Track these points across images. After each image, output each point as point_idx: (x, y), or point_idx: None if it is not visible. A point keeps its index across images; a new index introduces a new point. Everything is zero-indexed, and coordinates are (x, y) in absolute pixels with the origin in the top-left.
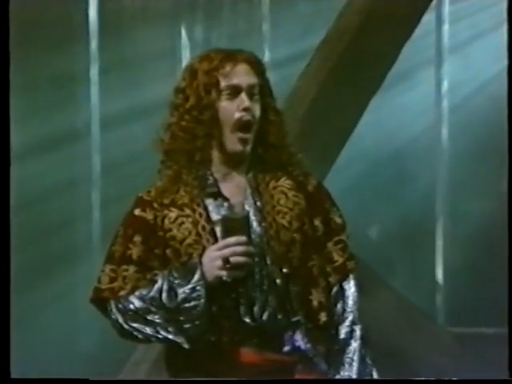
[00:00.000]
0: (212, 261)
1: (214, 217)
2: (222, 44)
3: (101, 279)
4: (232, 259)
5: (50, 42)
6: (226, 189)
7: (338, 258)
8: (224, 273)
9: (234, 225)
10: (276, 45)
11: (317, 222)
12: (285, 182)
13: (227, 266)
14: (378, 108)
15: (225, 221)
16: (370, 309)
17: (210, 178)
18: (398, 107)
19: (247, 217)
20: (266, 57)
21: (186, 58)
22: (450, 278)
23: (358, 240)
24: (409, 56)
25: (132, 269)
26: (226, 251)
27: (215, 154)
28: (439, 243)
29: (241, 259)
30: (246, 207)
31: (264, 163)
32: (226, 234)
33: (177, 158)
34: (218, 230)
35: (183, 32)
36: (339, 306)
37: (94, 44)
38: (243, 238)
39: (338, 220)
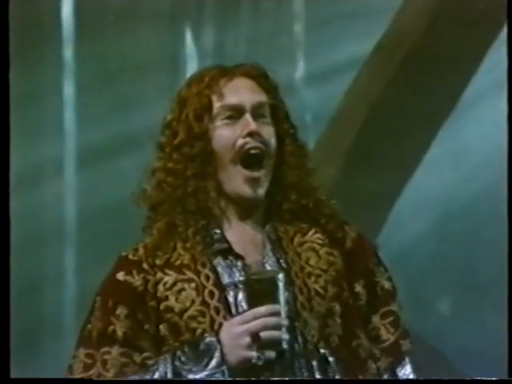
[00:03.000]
0: (236, 338)
1: (226, 280)
2: (240, 52)
3: (73, 368)
4: (263, 334)
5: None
6: (237, 245)
7: (388, 336)
8: (254, 354)
9: (263, 288)
10: (312, 52)
11: (358, 288)
12: (314, 237)
13: (257, 343)
14: (438, 147)
15: (250, 283)
16: None
17: (216, 230)
18: (461, 148)
19: (278, 277)
20: (300, 68)
21: (191, 70)
22: None
23: (416, 311)
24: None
25: (115, 351)
26: (256, 324)
27: (215, 199)
28: None
29: (275, 334)
30: (268, 267)
31: (285, 211)
32: (253, 300)
33: (165, 210)
34: (230, 296)
35: (188, 36)
36: None
37: (67, 53)
38: (276, 307)
39: (386, 284)
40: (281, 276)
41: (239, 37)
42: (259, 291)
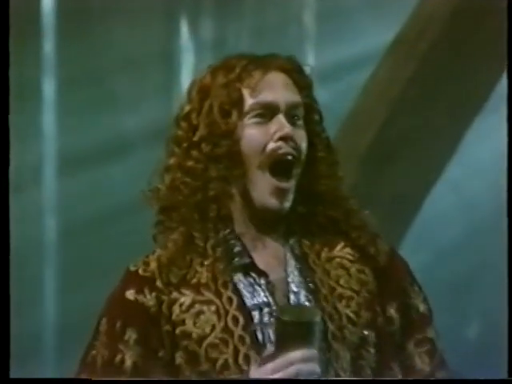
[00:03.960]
0: None
1: (249, 301)
2: (244, 45)
3: None
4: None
5: None
6: (260, 259)
7: (423, 367)
8: None
9: (298, 331)
10: (323, 46)
11: (391, 311)
12: (344, 252)
13: None
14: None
15: (283, 323)
16: None
17: (237, 242)
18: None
19: (315, 320)
20: (310, 63)
21: (187, 67)
22: None
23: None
24: None
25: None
26: (290, 373)
27: (237, 208)
28: None
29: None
30: (293, 288)
31: (311, 224)
32: (284, 342)
33: (181, 215)
34: (256, 320)
35: (184, 28)
36: None
37: (48, 48)
38: (314, 352)
39: (422, 307)
40: (318, 318)
41: (242, 28)
42: (293, 334)
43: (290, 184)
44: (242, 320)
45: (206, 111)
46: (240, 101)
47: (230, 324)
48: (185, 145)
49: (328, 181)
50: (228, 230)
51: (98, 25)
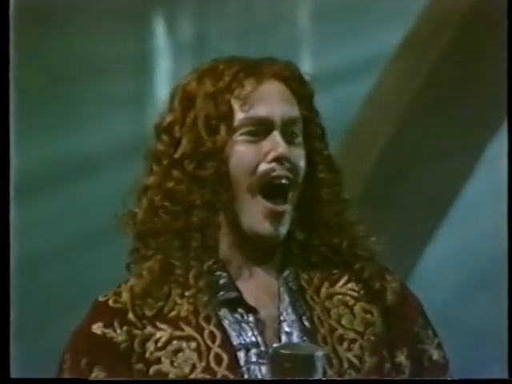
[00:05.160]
0: None
1: (235, 340)
2: (228, 48)
3: None
4: None
5: None
6: (249, 294)
7: None
8: None
9: (295, 367)
10: (320, 50)
11: (401, 358)
12: (347, 287)
13: None
14: None
15: (279, 358)
16: None
17: (223, 273)
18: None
19: (316, 355)
20: (305, 68)
21: (163, 73)
22: None
23: None
24: None
25: None
26: None
27: (224, 234)
28: None
29: None
30: (286, 328)
31: (310, 254)
32: (283, 377)
33: (159, 243)
34: (242, 361)
35: (158, 27)
36: None
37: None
38: None
39: (436, 354)
40: (320, 354)
41: (226, 29)
42: (290, 370)
43: (286, 208)
44: (226, 359)
45: (190, 124)
46: (229, 115)
47: (213, 363)
48: (165, 162)
49: (332, 206)
50: (213, 260)
51: (58, 26)
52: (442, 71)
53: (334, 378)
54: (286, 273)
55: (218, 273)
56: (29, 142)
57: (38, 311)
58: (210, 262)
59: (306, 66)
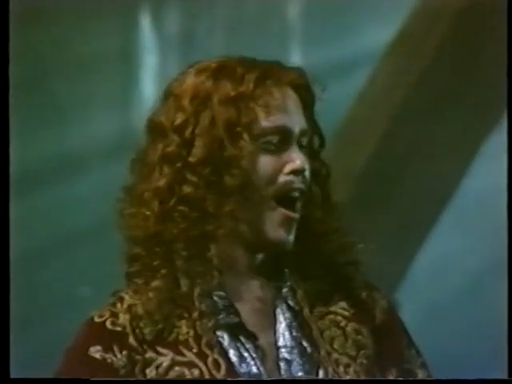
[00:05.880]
0: None
1: (238, 368)
2: (216, 43)
3: None
4: None
5: None
6: (248, 316)
7: None
8: None
9: None
10: (310, 45)
11: (390, 378)
12: (338, 306)
13: None
14: None
15: None
16: None
17: (221, 293)
18: None
19: None
20: (295, 64)
21: (149, 69)
22: None
23: None
24: None
25: None
26: None
27: (240, 248)
28: None
29: None
30: (285, 355)
31: (305, 266)
32: None
33: (168, 253)
34: None
35: (144, 22)
36: None
37: None
38: None
39: (420, 374)
40: None
41: (214, 23)
42: None
43: (298, 216)
44: None
45: (206, 126)
46: (254, 123)
47: None
48: (178, 164)
49: (324, 208)
50: (213, 279)
51: (43, 23)
52: (436, 68)
53: (334, 378)
54: (285, 288)
55: (216, 292)
56: (15, 137)
57: (38, 309)
58: (216, 280)
59: (296, 62)
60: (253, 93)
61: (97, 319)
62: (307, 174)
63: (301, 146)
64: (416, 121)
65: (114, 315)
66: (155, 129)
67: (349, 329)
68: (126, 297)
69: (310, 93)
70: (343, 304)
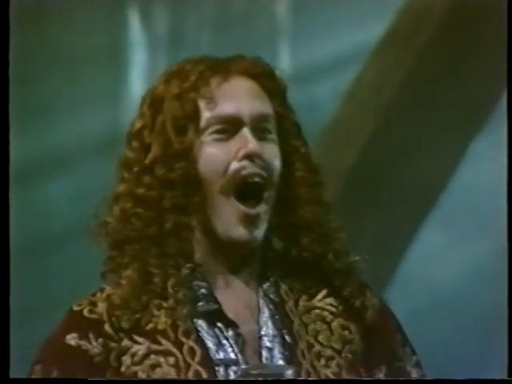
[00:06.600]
0: None
1: (213, 355)
2: (204, 40)
3: None
4: None
5: None
6: (228, 305)
7: None
8: None
9: None
10: (299, 43)
11: (380, 376)
12: (325, 302)
13: None
14: None
15: (250, 376)
16: None
17: (202, 283)
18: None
19: (286, 374)
20: (284, 62)
21: (138, 66)
22: None
23: None
24: None
25: None
26: None
27: (200, 242)
28: None
29: None
30: (267, 343)
31: (290, 261)
32: None
33: (135, 250)
34: (221, 377)
35: (133, 19)
36: None
37: None
38: None
39: (414, 372)
40: (290, 373)
41: (202, 20)
42: None
43: (261, 209)
44: (205, 376)
45: (159, 128)
46: (196, 115)
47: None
48: (136, 169)
49: (312, 207)
50: (191, 268)
51: (31, 19)
52: (424, 65)
53: (334, 378)
54: (267, 283)
55: (196, 282)
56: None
57: (38, 309)
58: (188, 271)
59: (285, 60)
60: (195, 85)
61: (75, 308)
62: (269, 159)
63: (261, 131)
64: (404, 119)
65: (93, 304)
66: (126, 137)
67: (335, 324)
68: (107, 288)
69: (274, 81)
70: (331, 300)
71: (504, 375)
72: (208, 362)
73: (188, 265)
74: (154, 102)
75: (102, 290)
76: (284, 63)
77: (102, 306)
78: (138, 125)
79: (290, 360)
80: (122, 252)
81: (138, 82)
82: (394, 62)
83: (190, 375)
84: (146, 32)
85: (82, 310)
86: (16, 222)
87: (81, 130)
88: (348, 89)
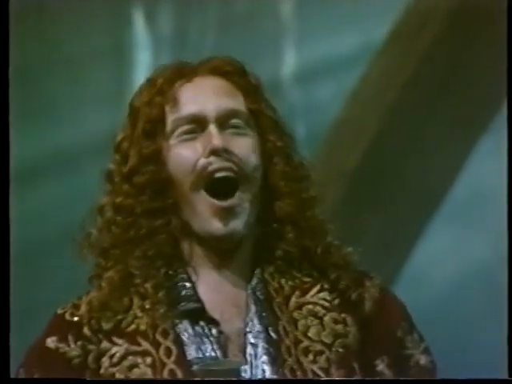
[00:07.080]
0: None
1: (193, 354)
2: (209, 41)
3: None
4: None
5: None
6: (213, 304)
7: None
8: None
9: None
10: (304, 42)
11: (381, 366)
12: (318, 297)
13: None
14: None
15: (204, 374)
16: None
17: (186, 284)
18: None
19: (240, 369)
20: (288, 63)
21: (142, 67)
22: None
23: None
24: None
25: None
26: None
27: (183, 240)
28: None
29: None
30: (251, 339)
31: (278, 258)
32: None
33: (118, 255)
34: (198, 377)
35: (138, 20)
36: None
37: None
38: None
39: (423, 359)
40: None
41: (207, 20)
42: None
43: (234, 201)
44: (180, 375)
45: (135, 137)
46: (162, 118)
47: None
48: (117, 179)
49: (289, 200)
50: (174, 268)
51: (34, 19)
52: (429, 66)
53: (334, 378)
54: (254, 281)
55: (181, 283)
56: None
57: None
58: (172, 272)
59: (289, 60)
60: (161, 90)
61: (59, 311)
62: (241, 152)
63: (232, 126)
64: (408, 120)
65: (76, 307)
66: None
67: (327, 318)
68: (93, 292)
69: (246, 78)
70: (324, 295)
71: (504, 375)
72: (184, 360)
73: (170, 266)
74: (131, 113)
75: (87, 293)
76: (288, 64)
77: (83, 309)
78: (118, 137)
79: (275, 356)
80: (105, 257)
81: (141, 82)
82: (399, 63)
83: (165, 374)
84: (151, 32)
85: (64, 314)
86: (16, 222)
87: (83, 130)
88: (352, 89)
